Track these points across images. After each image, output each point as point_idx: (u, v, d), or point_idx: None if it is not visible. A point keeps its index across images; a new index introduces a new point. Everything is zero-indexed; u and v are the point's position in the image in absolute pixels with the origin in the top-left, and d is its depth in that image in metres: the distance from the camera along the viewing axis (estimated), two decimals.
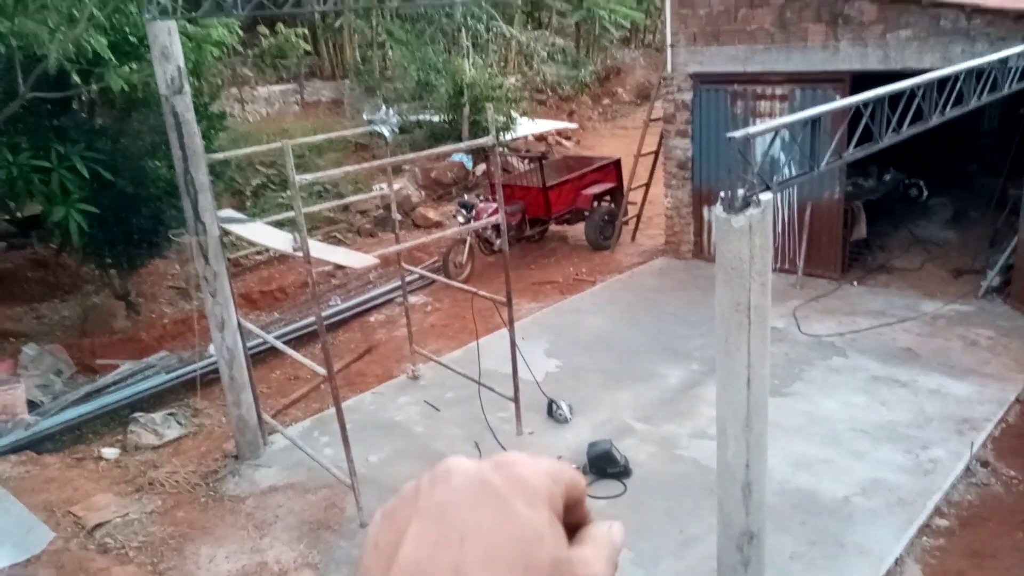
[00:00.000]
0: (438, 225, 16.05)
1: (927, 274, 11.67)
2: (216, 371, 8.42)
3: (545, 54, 21.51)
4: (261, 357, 9.98)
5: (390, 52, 21.81)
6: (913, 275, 11.67)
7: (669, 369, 9.35)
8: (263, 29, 13.31)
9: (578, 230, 14.62)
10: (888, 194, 13.30)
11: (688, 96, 12.12)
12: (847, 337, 9.84)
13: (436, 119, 19.08)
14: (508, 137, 18.64)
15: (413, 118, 18.95)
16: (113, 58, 8.58)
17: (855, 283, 11.50)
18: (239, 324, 7.66)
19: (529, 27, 24.99)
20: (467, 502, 0.48)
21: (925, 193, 14.17)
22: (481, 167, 17.88)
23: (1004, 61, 6.45)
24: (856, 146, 4.90)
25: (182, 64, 6.56)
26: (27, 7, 7.64)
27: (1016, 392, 8.28)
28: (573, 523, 0.54)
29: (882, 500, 6.74)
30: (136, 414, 9.00)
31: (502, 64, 22.21)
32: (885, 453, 7.39)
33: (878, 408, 8.19)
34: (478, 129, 18.15)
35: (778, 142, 4.23)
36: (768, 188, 3.72)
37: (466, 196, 15.54)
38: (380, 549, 0.49)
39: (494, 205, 12.52)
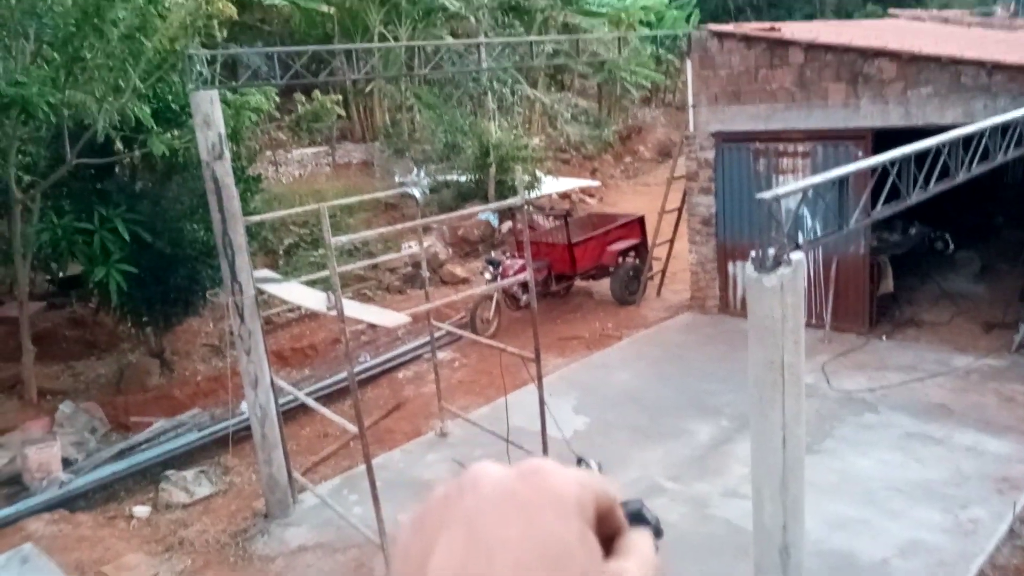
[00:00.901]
0: (465, 281, 16.21)
1: (957, 328, 11.55)
2: (247, 428, 8.51)
3: (568, 115, 21.96)
4: (291, 414, 10.04)
5: (418, 115, 22.37)
6: (943, 329, 11.55)
7: (698, 425, 9.28)
8: (299, 96, 13.85)
9: (603, 285, 14.70)
10: (914, 247, 13.26)
11: (710, 154, 12.30)
12: (878, 392, 9.72)
13: (463, 179, 19.45)
14: (533, 195, 18.92)
15: (441, 178, 19.32)
16: (156, 125, 8.94)
17: (884, 337, 11.41)
18: (272, 382, 7.77)
19: (552, 89, 25.57)
20: (495, 513, 0.48)
21: (951, 246, 14.11)
22: (507, 224, 18.12)
23: None
24: (884, 203, 4.97)
25: (223, 131, 6.83)
26: (76, 79, 8.03)
27: None
28: (608, 534, 0.52)
29: (922, 562, 6.58)
30: (167, 472, 9.08)
31: (527, 125, 22.69)
32: (923, 513, 7.23)
33: (913, 466, 8.04)
34: (504, 188, 18.46)
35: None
36: (798, 247, 3.78)
37: (493, 253, 15.73)
38: (411, 558, 0.49)
39: (520, 262, 12.67)
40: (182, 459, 9.53)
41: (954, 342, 11.05)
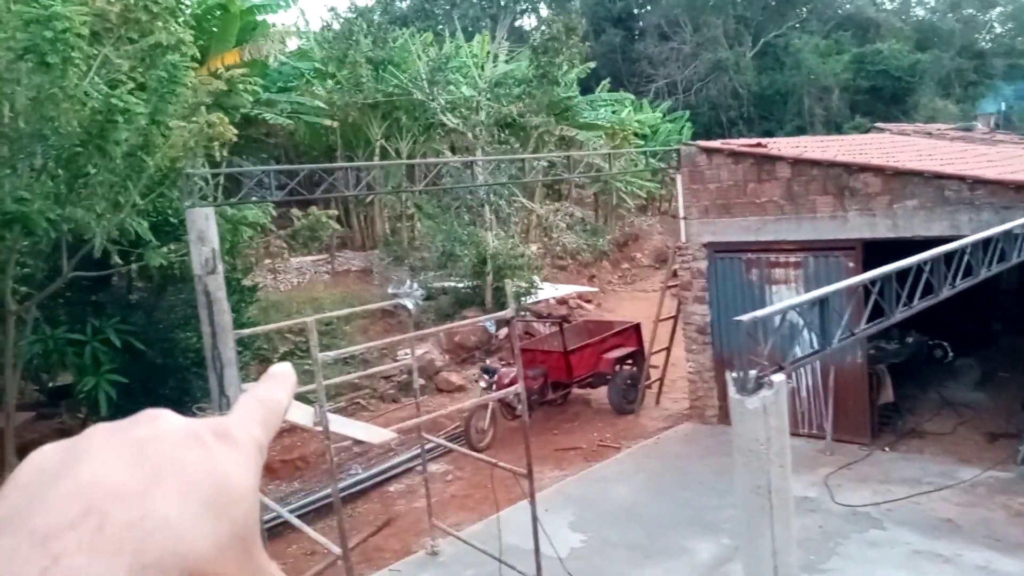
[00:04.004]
0: (461, 389, 16.06)
1: (961, 438, 11.33)
2: None
3: (564, 224, 22.45)
4: (278, 531, 9.74)
5: (418, 224, 22.83)
6: (946, 440, 11.33)
7: (699, 543, 8.96)
8: (296, 211, 14.22)
9: (601, 394, 14.54)
10: (912, 356, 13.18)
11: (703, 264, 12.43)
12: (883, 507, 9.43)
13: (460, 285, 19.62)
14: (530, 301, 19.04)
15: (438, 285, 19.51)
16: (154, 239, 9.08)
17: (887, 448, 11.18)
18: None
19: (549, 199, 26.19)
20: (172, 442, 0.45)
21: (950, 354, 14.04)
22: (504, 330, 18.13)
23: (1009, 231, 6.62)
24: (869, 319, 4.96)
25: (217, 246, 6.93)
26: (78, 195, 8.22)
27: None
28: None
29: None
30: None
31: (524, 234, 23.10)
32: None
33: None
34: (501, 295, 18.56)
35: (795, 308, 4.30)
36: (780, 368, 3.75)
37: (488, 361, 15.66)
38: (46, 471, 0.43)
39: (515, 370, 12.59)
40: None
41: (958, 453, 10.81)
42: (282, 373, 0.57)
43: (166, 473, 0.43)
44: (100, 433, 0.45)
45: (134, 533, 0.40)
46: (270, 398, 0.54)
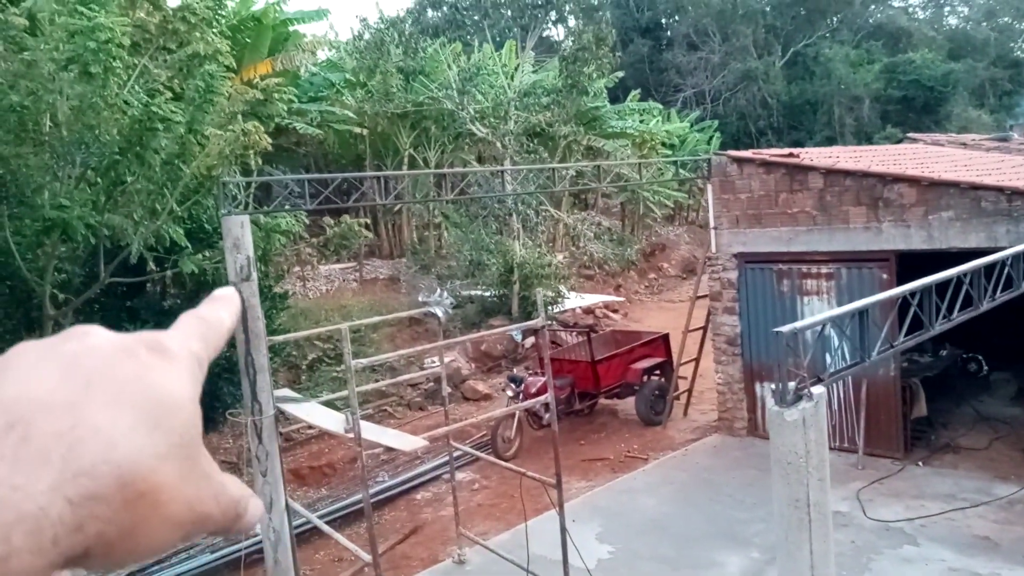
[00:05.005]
0: (487, 398, 16.07)
1: (997, 454, 11.11)
2: (260, 551, 8.28)
3: (591, 234, 22.41)
4: (305, 537, 9.80)
5: (445, 233, 22.94)
6: (981, 455, 11.11)
7: (728, 556, 8.86)
8: (328, 219, 14.36)
9: (628, 404, 14.46)
10: (946, 370, 12.96)
11: (734, 275, 12.33)
12: (917, 523, 9.27)
13: (487, 294, 19.66)
14: (556, 310, 19.02)
15: (465, 293, 19.57)
16: (189, 246, 9.22)
17: (920, 463, 10.99)
18: (287, 504, 7.62)
19: (576, 208, 26.17)
20: (102, 356, 0.44)
21: (985, 368, 13.79)
22: (530, 340, 18.12)
23: None
24: (908, 332, 4.89)
25: (252, 254, 7.01)
26: (116, 203, 8.38)
27: None
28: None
29: None
30: None
31: (551, 243, 23.10)
32: None
33: None
34: (528, 303, 18.60)
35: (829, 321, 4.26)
36: (820, 380, 3.71)
37: (515, 370, 15.66)
38: None
39: (542, 379, 12.58)
40: None
41: (994, 469, 10.60)
42: (226, 296, 0.57)
43: (97, 385, 0.42)
44: (27, 350, 0.45)
45: (63, 442, 0.40)
46: (212, 316, 0.54)
